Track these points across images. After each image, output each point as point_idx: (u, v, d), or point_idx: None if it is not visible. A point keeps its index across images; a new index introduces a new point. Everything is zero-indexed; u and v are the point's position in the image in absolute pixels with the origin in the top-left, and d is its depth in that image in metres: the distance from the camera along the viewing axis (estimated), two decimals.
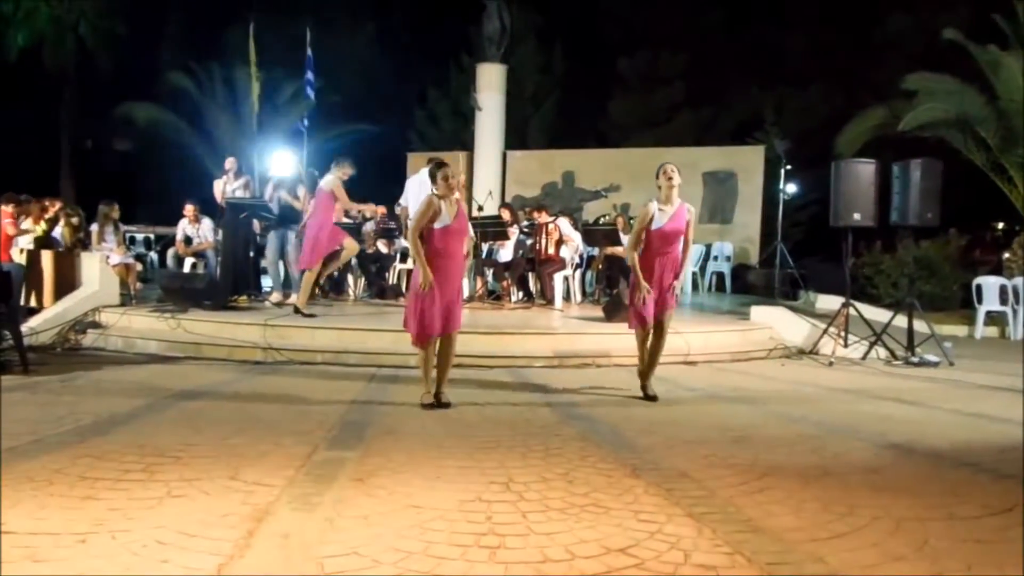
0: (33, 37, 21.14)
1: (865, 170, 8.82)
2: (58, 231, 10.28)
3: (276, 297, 9.99)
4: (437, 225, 5.41)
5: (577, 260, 11.68)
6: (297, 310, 8.71)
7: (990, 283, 11.91)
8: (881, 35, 21.63)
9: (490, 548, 2.89)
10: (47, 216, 10.21)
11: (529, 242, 11.44)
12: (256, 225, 10.25)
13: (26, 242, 9.87)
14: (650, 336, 6.07)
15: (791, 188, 18.39)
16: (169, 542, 2.87)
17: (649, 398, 6.00)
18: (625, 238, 11.60)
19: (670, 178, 5.84)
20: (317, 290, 11.57)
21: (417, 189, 9.80)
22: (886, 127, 13.63)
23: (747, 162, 17.37)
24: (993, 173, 13.38)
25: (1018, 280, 12.02)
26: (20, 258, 9.56)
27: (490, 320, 8.86)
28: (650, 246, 5.94)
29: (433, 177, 5.58)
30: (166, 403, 5.60)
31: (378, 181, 16.78)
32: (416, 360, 5.80)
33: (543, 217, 11.05)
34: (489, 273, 11.63)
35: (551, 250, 10.85)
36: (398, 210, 10.54)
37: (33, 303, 9.34)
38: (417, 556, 2.79)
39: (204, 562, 2.69)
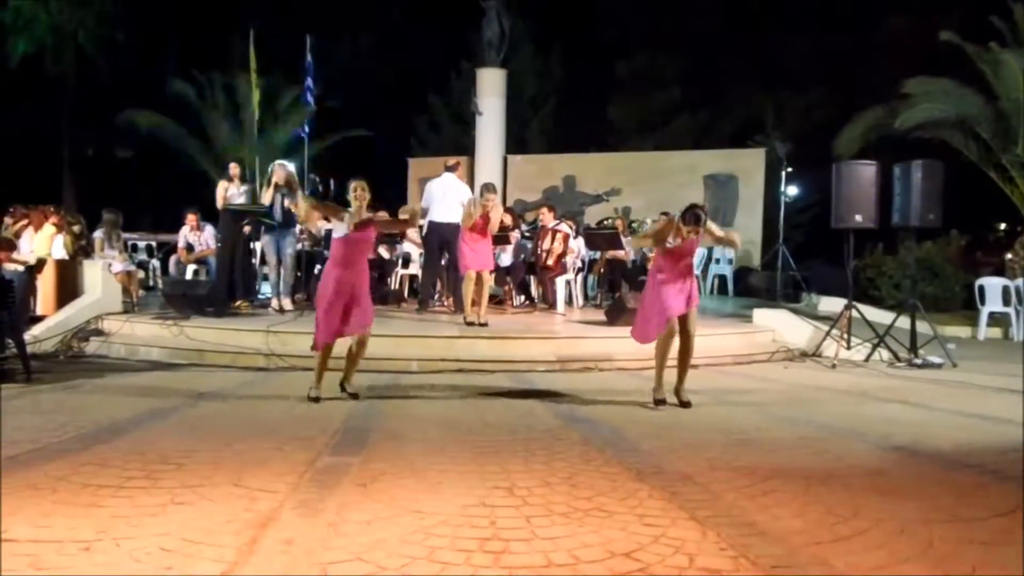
0: (33, 45, 21.17)
1: (866, 172, 8.83)
2: (59, 240, 10.27)
3: (277, 303, 9.98)
4: (335, 235, 5.85)
5: (579, 264, 11.67)
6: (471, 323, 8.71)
7: (992, 284, 11.90)
8: (880, 37, 21.66)
9: (494, 553, 2.88)
10: (49, 223, 10.20)
11: (530, 246, 11.43)
12: (245, 228, 10.15)
13: (27, 251, 9.86)
14: (676, 339, 6.05)
15: (792, 190, 18.39)
16: (173, 549, 2.87)
17: (683, 404, 5.96)
18: (626, 240, 11.61)
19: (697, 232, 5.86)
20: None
21: (447, 192, 9.85)
22: (885, 127, 13.64)
23: (748, 165, 17.36)
24: (994, 173, 13.38)
25: (1020, 281, 12.00)
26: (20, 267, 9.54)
27: (492, 324, 8.86)
28: (667, 254, 5.98)
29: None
30: (169, 410, 5.60)
31: (379, 187, 16.80)
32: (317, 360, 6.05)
33: (548, 219, 11.01)
34: (491, 278, 11.61)
35: (550, 262, 10.80)
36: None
37: (39, 311, 9.34)
38: (421, 561, 2.79)
39: (208, 569, 2.69)
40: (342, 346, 6.09)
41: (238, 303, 9.78)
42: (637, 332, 6.18)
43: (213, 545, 2.91)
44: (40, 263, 9.72)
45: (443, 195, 9.82)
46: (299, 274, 10.39)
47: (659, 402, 5.99)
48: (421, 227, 10.30)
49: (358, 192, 5.90)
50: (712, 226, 6.00)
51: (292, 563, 2.76)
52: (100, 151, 25.38)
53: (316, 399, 5.90)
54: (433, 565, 2.76)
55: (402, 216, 6.78)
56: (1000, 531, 3.20)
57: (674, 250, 5.92)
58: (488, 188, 9.05)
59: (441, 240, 9.98)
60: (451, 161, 10.46)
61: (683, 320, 6.02)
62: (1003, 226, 23.41)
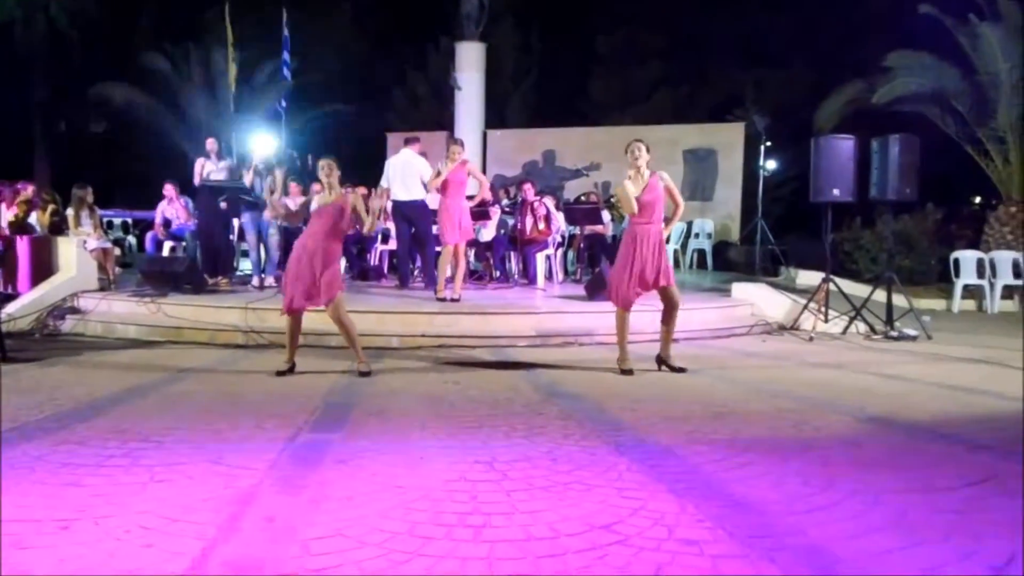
0: (2, 17, 20.72)
1: (844, 146, 8.86)
2: (34, 216, 10.14)
3: (257, 280, 9.92)
4: (311, 208, 6.18)
5: (559, 239, 11.67)
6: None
7: (967, 257, 12.05)
8: (860, 11, 21.65)
9: (475, 527, 2.90)
10: (20, 199, 10.06)
11: (511, 221, 11.41)
12: (223, 204, 10.00)
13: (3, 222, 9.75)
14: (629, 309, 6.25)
15: (771, 165, 18.45)
16: (153, 527, 2.86)
17: (673, 369, 6.26)
18: (605, 216, 11.64)
19: (636, 159, 6.16)
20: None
21: (401, 169, 9.72)
22: (863, 101, 13.68)
23: (727, 139, 17.40)
24: (970, 147, 13.47)
25: (994, 254, 12.16)
26: None
27: (472, 300, 8.86)
28: (631, 219, 6.20)
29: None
30: (147, 388, 5.58)
31: (358, 161, 16.68)
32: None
33: (530, 194, 10.98)
34: (471, 253, 11.60)
35: (541, 226, 10.78)
36: (379, 191, 10.44)
37: (9, 289, 9.23)
38: (402, 536, 2.80)
39: (188, 546, 2.69)
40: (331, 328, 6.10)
41: (217, 280, 9.71)
42: (611, 295, 6.39)
43: (194, 523, 2.91)
44: (16, 228, 9.60)
45: (401, 172, 9.66)
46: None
47: (625, 372, 6.16)
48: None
49: (326, 170, 6.02)
50: (669, 180, 6.26)
51: (273, 539, 2.77)
52: (73, 126, 24.94)
53: (280, 372, 5.98)
54: (414, 540, 2.77)
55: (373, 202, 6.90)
56: (973, 500, 3.26)
57: (640, 202, 6.06)
58: (454, 141, 8.98)
59: (404, 217, 9.85)
60: (411, 136, 10.35)
61: (664, 291, 6.19)
62: (978, 200, 23.62)
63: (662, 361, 6.34)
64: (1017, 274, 11.87)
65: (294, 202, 11.24)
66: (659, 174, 6.17)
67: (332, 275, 5.95)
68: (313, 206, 6.14)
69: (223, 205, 9.83)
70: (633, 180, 6.13)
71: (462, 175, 8.63)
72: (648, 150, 6.19)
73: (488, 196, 10.56)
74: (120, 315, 8.45)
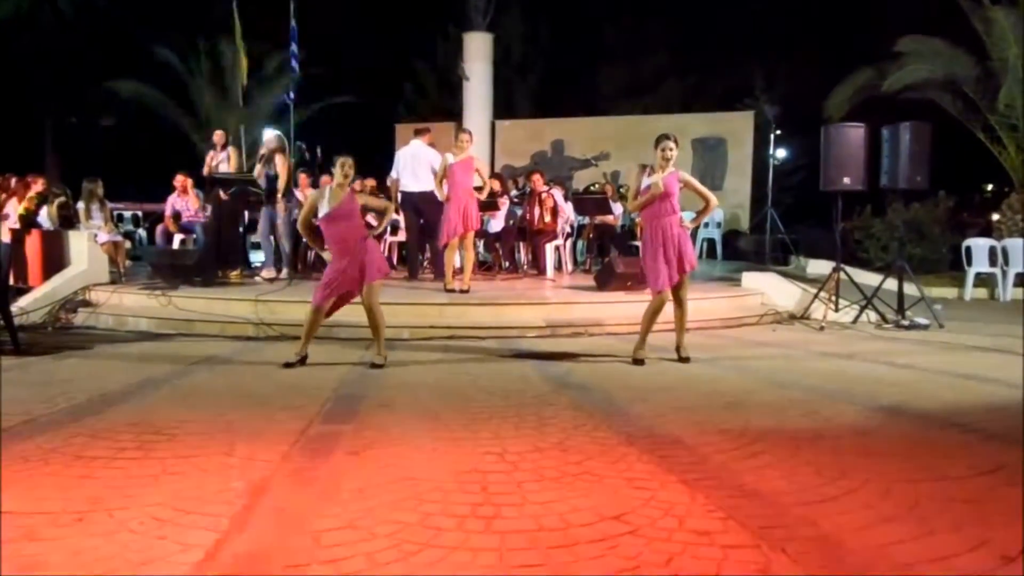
0: (10, 10, 20.74)
1: (854, 134, 8.81)
2: (44, 210, 10.18)
3: (268, 273, 9.95)
4: (320, 215, 5.95)
5: (568, 230, 11.66)
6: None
7: (979, 245, 11.97)
8: None
9: (486, 518, 2.91)
10: (32, 193, 10.10)
11: (520, 212, 11.40)
12: (223, 195, 9.98)
13: (12, 221, 9.78)
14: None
15: (781, 153, 18.40)
16: (166, 519, 2.88)
17: (683, 359, 6.27)
18: (615, 206, 11.63)
19: (668, 159, 6.21)
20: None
21: (411, 160, 9.75)
22: (874, 89, 13.60)
23: (736, 128, 17.32)
24: (981, 134, 13.38)
25: (1007, 241, 12.08)
26: (5, 237, 9.47)
27: (482, 291, 8.87)
28: (647, 210, 6.25)
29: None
30: (159, 380, 5.60)
31: (366, 153, 16.68)
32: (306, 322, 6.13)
33: (539, 185, 10.97)
34: (480, 244, 11.60)
35: (547, 219, 10.78)
36: (389, 183, 10.47)
37: (21, 283, 9.27)
38: (413, 527, 2.81)
39: (201, 538, 2.70)
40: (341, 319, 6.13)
41: (228, 272, 9.73)
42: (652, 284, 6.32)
43: (206, 514, 2.92)
44: (26, 222, 9.63)
45: (411, 163, 9.73)
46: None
47: (638, 361, 6.17)
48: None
49: (345, 169, 5.97)
50: (688, 176, 6.39)
51: (285, 531, 2.78)
52: (82, 120, 25.00)
53: (289, 364, 5.95)
54: (426, 531, 2.78)
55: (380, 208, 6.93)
56: (985, 489, 3.25)
57: (655, 197, 6.13)
58: (462, 130, 9.05)
59: (414, 208, 9.91)
60: (421, 127, 10.38)
61: (676, 288, 6.23)
62: (990, 187, 23.49)
63: (677, 349, 6.39)
64: None
65: (303, 194, 11.28)
66: (678, 173, 6.26)
67: (373, 258, 5.96)
68: (324, 209, 5.94)
69: (223, 196, 9.81)
70: (653, 172, 6.21)
71: (469, 166, 8.67)
72: (677, 144, 6.28)
73: (496, 187, 10.56)
74: (131, 308, 8.49)
